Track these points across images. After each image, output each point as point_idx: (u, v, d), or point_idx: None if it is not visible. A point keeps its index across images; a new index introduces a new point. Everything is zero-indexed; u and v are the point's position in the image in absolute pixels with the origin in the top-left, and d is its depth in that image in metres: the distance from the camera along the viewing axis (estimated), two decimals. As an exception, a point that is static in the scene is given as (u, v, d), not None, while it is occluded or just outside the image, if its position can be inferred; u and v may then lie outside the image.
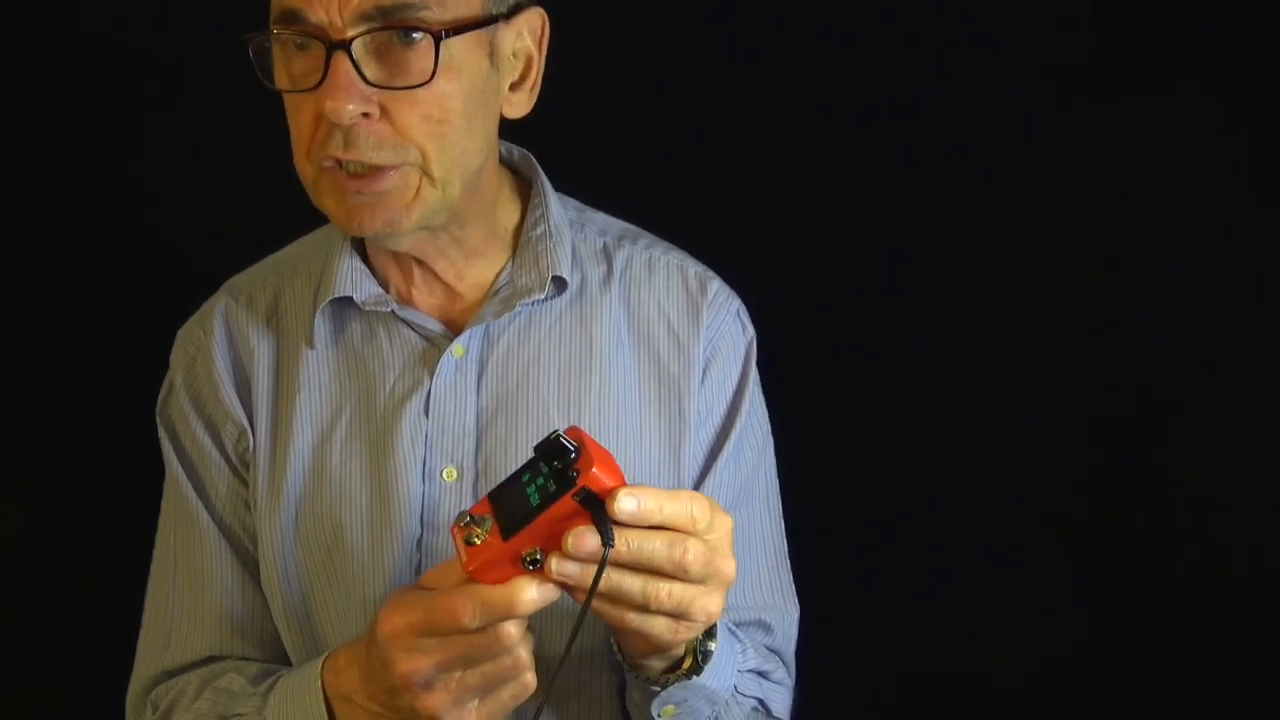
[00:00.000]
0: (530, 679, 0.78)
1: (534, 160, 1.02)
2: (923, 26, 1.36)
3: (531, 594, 0.73)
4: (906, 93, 1.37)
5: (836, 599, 1.18)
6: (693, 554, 0.73)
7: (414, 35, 0.82)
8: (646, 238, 1.04)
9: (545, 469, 0.73)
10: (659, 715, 0.87)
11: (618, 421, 0.96)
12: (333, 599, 0.95)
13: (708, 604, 0.76)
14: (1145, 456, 1.38)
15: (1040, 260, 1.37)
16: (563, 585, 0.74)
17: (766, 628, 1.01)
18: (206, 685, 0.96)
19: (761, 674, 0.97)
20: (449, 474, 0.94)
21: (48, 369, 1.50)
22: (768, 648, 1.01)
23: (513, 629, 0.75)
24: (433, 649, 0.76)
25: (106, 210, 1.47)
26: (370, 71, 0.82)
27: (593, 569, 0.72)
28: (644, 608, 0.75)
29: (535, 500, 0.73)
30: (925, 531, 1.42)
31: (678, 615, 0.76)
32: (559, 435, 0.73)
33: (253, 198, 1.37)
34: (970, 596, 1.42)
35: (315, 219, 1.05)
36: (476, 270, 0.97)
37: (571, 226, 1.01)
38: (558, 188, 1.04)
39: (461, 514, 0.75)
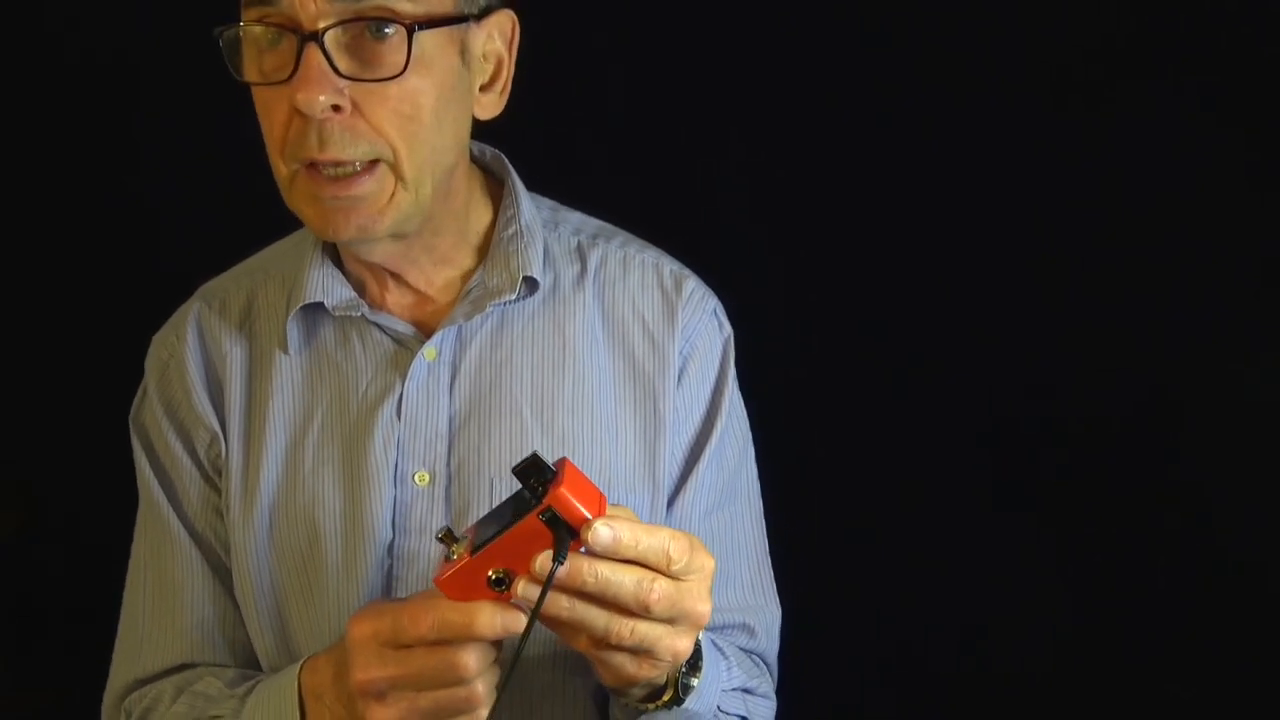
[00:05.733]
0: (483, 715, 0.77)
1: (505, 160, 1.01)
2: (910, 25, 1.36)
3: (492, 618, 0.73)
4: (893, 91, 1.37)
5: (819, 599, 1.18)
6: (658, 594, 0.72)
7: (386, 30, 0.82)
8: (621, 236, 1.04)
9: (526, 490, 0.73)
10: None
11: (593, 421, 0.96)
12: (306, 604, 0.94)
13: (674, 644, 0.76)
14: (1136, 453, 1.38)
15: (1027, 257, 1.37)
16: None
17: (749, 630, 1.00)
18: (182, 691, 0.96)
19: (746, 690, 0.97)
20: (421, 478, 0.94)
21: (50, 368, 1.51)
22: (751, 650, 1.01)
23: (470, 660, 0.74)
24: (391, 662, 0.76)
25: (109, 207, 1.48)
26: (342, 64, 0.81)
27: (560, 597, 0.72)
28: (605, 642, 0.75)
29: (508, 518, 0.73)
30: (910, 529, 1.43)
31: (642, 652, 0.76)
32: (536, 455, 0.72)
33: (256, 194, 1.37)
34: (956, 594, 1.42)
35: (296, 223, 1.06)
36: (445, 275, 0.97)
37: (545, 226, 1.00)
38: (533, 187, 1.03)
39: (444, 528, 0.75)
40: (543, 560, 0.71)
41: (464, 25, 0.86)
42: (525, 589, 0.71)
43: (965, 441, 1.42)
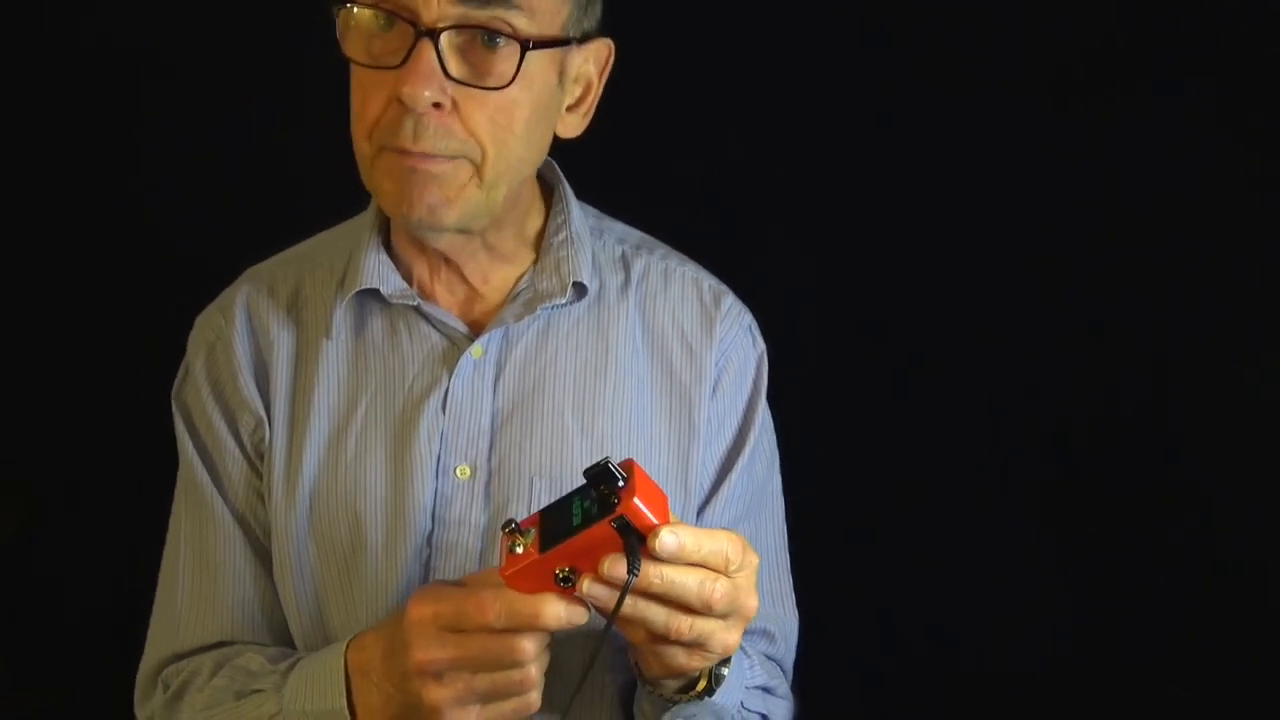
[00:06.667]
0: (535, 698, 0.82)
1: (556, 167, 1.03)
2: (912, 26, 1.36)
3: (557, 610, 0.77)
4: (893, 91, 1.37)
5: (819, 599, 1.18)
6: (720, 592, 0.77)
7: (498, 40, 0.85)
8: (662, 248, 1.07)
9: (593, 493, 0.76)
10: None
11: (630, 426, 0.98)
12: (344, 590, 0.96)
13: (727, 638, 0.80)
14: (1136, 454, 1.38)
15: (1028, 257, 1.36)
16: (592, 606, 0.77)
17: (770, 636, 1.03)
18: (221, 665, 0.97)
19: (767, 689, 0.99)
20: (462, 471, 0.96)
21: (50, 366, 1.51)
22: (770, 656, 1.03)
23: (528, 645, 0.78)
24: (450, 644, 0.79)
25: (108, 206, 1.48)
26: (453, 66, 0.84)
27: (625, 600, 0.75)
28: (664, 637, 0.79)
29: (577, 520, 0.76)
30: (910, 529, 1.42)
31: (695, 646, 0.80)
32: (608, 461, 0.75)
33: (255, 192, 1.38)
34: (956, 595, 1.42)
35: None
36: (502, 273, 0.99)
37: (591, 234, 1.03)
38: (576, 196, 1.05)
39: (509, 521, 0.78)
40: (612, 565, 0.74)
41: (567, 48, 0.90)
42: (590, 588, 0.75)
43: (965, 441, 1.42)
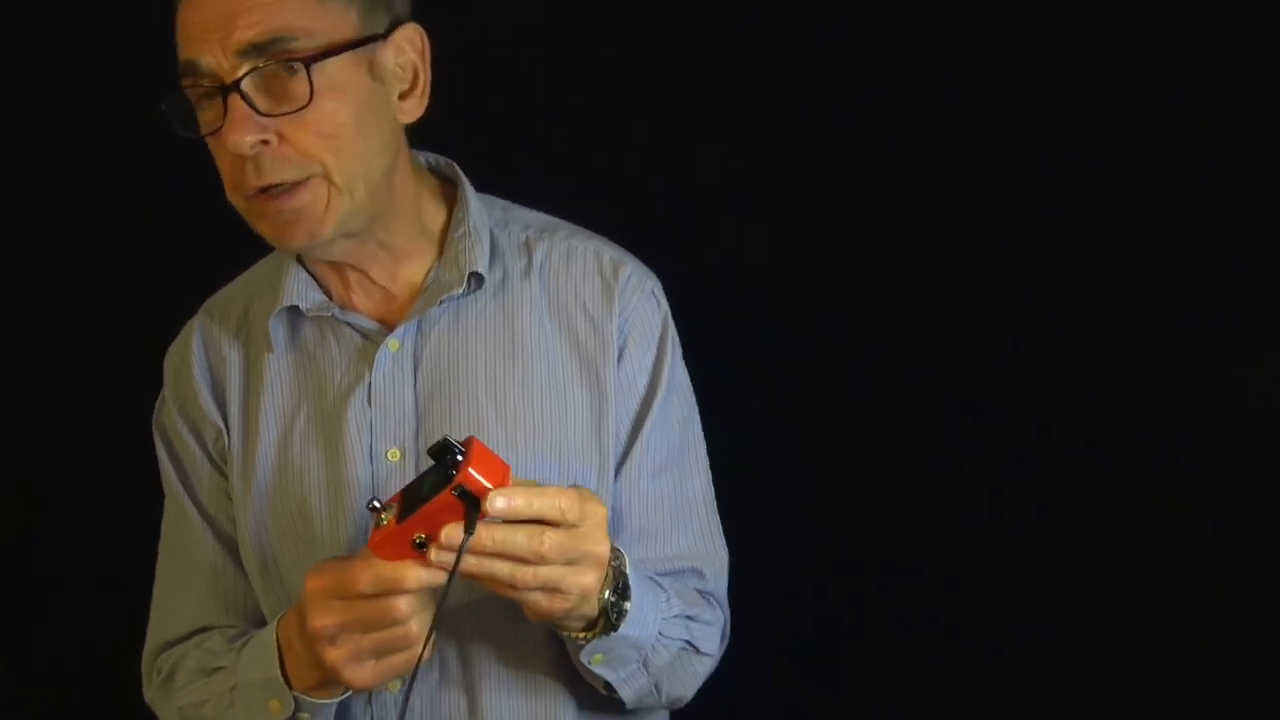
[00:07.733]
0: (418, 650, 0.91)
1: (456, 167, 1.12)
2: (927, 31, 1.35)
3: (418, 574, 0.88)
4: (900, 93, 1.37)
5: (816, 600, 1.18)
6: (549, 544, 0.88)
7: (294, 66, 0.94)
8: (566, 229, 1.14)
9: (441, 468, 0.87)
10: (589, 662, 1.00)
11: (542, 401, 1.07)
12: (300, 570, 1.03)
13: (579, 580, 0.91)
14: (1148, 458, 1.37)
15: (1037, 260, 1.35)
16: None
17: (699, 574, 1.12)
18: (198, 648, 1.10)
19: (689, 618, 1.07)
20: (393, 455, 1.06)
21: (51, 366, 1.52)
22: (702, 590, 1.12)
23: (402, 605, 0.89)
24: (337, 610, 0.91)
25: (110, 206, 1.49)
26: (261, 104, 0.94)
27: (469, 556, 0.87)
28: (514, 587, 0.90)
29: (426, 492, 0.87)
30: (915, 532, 1.42)
31: (551, 591, 0.90)
32: (447, 438, 0.86)
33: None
34: (963, 600, 1.42)
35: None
36: (408, 271, 1.08)
37: (496, 224, 1.11)
38: (493, 186, 1.13)
39: (373, 499, 0.90)
40: (450, 530, 0.86)
41: (369, 47, 0.98)
42: (438, 555, 0.87)
43: (970, 445, 1.41)
